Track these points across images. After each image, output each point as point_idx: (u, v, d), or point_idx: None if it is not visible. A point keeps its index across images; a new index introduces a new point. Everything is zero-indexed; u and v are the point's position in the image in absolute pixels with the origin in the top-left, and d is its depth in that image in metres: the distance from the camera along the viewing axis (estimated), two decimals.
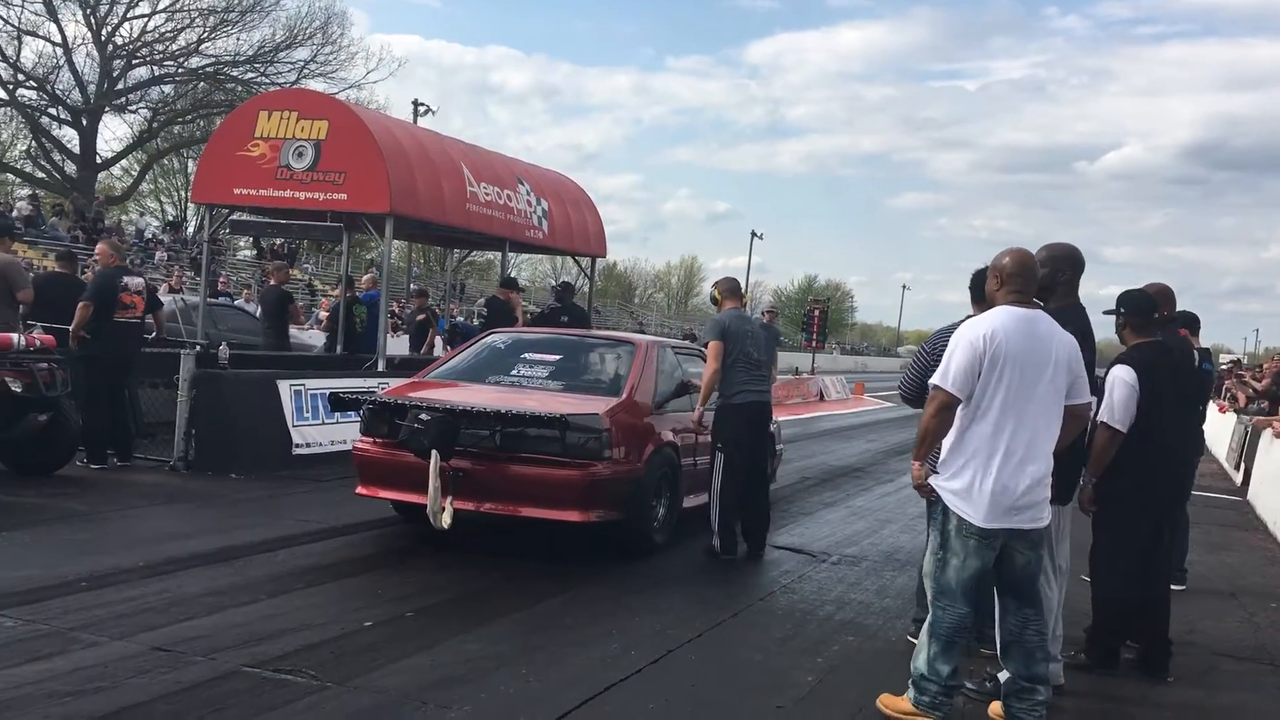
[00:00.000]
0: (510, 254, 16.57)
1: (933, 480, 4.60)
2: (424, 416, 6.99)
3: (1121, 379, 5.44)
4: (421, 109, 46.30)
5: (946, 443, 4.57)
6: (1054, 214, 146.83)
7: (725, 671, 5.25)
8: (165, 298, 14.58)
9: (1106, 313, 5.81)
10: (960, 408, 4.48)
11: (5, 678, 4.34)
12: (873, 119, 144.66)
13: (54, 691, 4.24)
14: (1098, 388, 5.46)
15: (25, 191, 41.01)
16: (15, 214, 32.93)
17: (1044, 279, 5.00)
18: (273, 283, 14.88)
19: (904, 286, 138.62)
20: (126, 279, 10.07)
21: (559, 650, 5.30)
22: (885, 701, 4.77)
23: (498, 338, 9.07)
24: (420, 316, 16.54)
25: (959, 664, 4.62)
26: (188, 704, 4.24)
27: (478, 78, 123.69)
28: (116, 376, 9.86)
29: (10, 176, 45.62)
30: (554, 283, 19.35)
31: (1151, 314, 5.72)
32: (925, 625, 4.68)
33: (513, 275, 15.65)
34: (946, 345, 5.54)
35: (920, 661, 4.63)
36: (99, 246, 11.11)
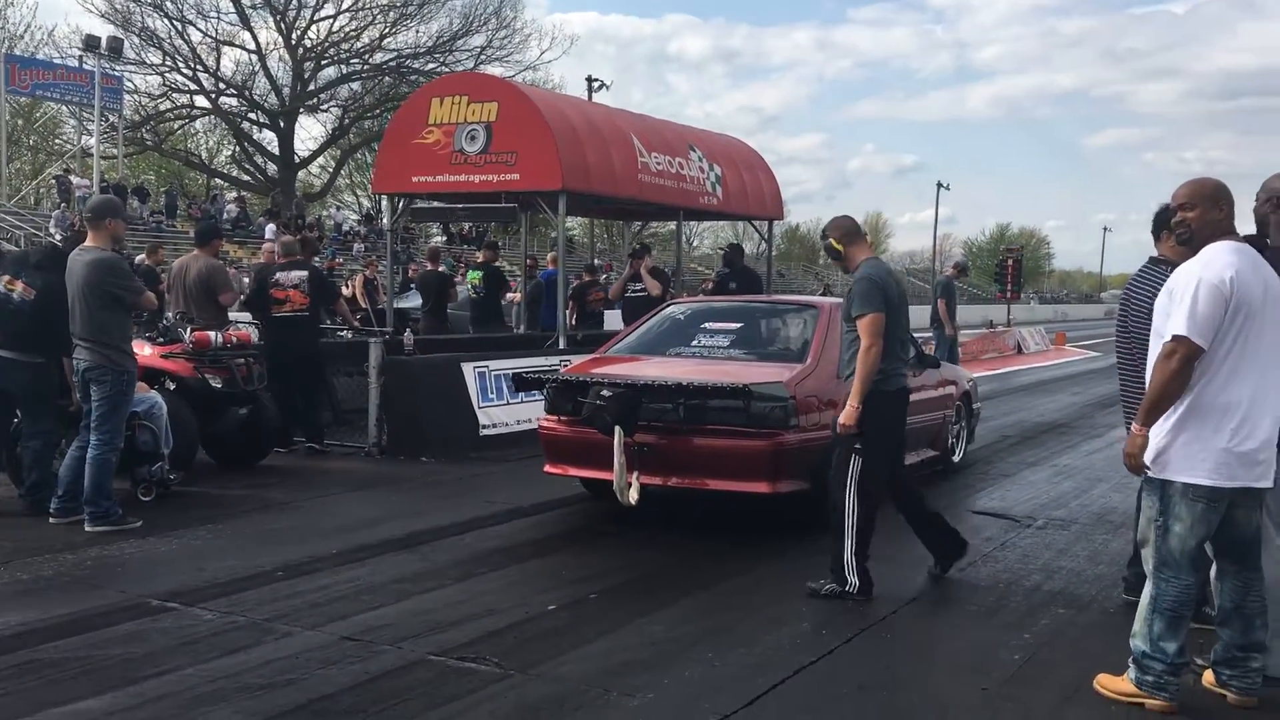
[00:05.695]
0: (686, 222, 16.36)
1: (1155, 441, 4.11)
2: (605, 393, 6.87)
3: None
4: (596, 84, 46.58)
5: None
6: (1276, 139, 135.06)
7: (924, 650, 4.94)
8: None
9: None
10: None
11: (201, 672, 4.43)
12: (1070, 54, 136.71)
13: (247, 685, 4.30)
14: None
15: (233, 194, 43.51)
16: (225, 215, 35.02)
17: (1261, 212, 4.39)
18: (430, 267, 15.24)
19: (1105, 229, 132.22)
20: (279, 274, 10.02)
21: (746, 631, 5.09)
22: (1104, 683, 4.35)
23: (677, 308, 8.90)
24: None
25: (1186, 641, 4.17)
26: (373, 695, 4.23)
27: (656, 48, 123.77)
28: (285, 369, 9.70)
29: (219, 181, 48.52)
30: (723, 248, 18.59)
31: None
32: (1145, 599, 4.23)
33: (646, 243, 15.31)
34: (1139, 293, 5.04)
35: (1142, 639, 4.19)
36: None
